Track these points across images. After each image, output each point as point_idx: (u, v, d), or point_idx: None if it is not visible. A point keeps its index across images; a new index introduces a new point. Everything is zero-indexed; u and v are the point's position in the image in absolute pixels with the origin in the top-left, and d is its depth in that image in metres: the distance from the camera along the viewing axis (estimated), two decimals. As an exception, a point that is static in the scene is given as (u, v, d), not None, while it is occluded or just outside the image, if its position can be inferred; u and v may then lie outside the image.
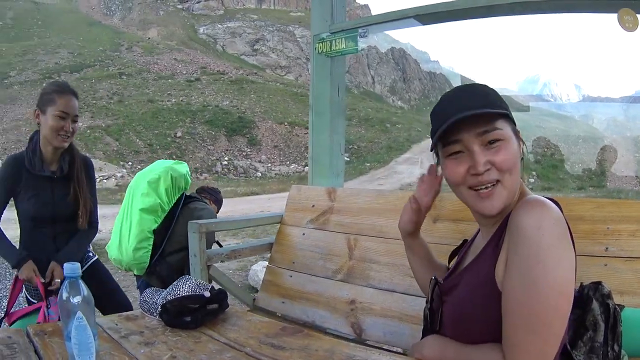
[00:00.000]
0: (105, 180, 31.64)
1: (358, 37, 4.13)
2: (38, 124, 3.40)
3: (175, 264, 4.18)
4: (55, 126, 3.31)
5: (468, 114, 1.61)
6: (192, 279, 2.49)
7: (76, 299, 1.64)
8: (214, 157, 43.55)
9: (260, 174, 41.97)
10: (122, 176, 32.88)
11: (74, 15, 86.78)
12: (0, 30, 74.92)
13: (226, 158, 43.35)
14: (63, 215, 3.54)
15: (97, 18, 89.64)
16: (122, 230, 4.10)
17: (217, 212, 5.05)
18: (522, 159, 1.66)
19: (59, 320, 2.88)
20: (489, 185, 1.65)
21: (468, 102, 1.65)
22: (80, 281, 1.68)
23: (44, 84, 3.56)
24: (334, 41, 4.26)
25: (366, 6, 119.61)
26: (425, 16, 3.78)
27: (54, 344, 1.99)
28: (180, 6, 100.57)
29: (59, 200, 3.51)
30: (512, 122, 1.68)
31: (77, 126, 3.46)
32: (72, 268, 1.66)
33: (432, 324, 1.92)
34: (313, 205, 3.85)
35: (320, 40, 4.35)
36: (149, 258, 4.07)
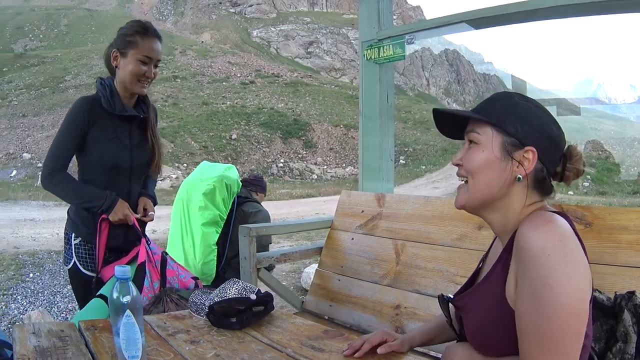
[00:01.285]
0: (160, 182, 32.00)
1: (405, 44, 4.12)
2: (116, 66, 3.16)
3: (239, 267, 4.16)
4: (137, 71, 3.09)
5: (456, 112, 1.72)
6: (239, 282, 2.57)
7: (126, 299, 1.74)
8: (270, 159, 43.66)
9: (315, 176, 41.93)
10: (177, 177, 33.22)
11: (127, 20, 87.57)
12: (55, 37, 76.47)
13: (282, 160, 43.40)
14: (139, 163, 3.30)
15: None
16: (184, 246, 4.08)
17: (264, 197, 5.10)
18: (519, 179, 1.62)
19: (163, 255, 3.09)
20: (462, 180, 1.73)
21: (480, 105, 1.72)
22: (130, 282, 1.78)
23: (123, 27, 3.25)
24: (381, 48, 4.25)
25: (418, 7, 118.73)
26: (477, 20, 3.74)
27: (104, 339, 2.09)
28: (232, 10, 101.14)
29: (136, 146, 3.27)
30: (507, 135, 1.64)
31: (157, 71, 3.24)
32: (123, 271, 1.77)
33: (458, 334, 1.93)
34: (362, 211, 3.88)
35: (368, 47, 4.35)
36: (216, 268, 4.09)
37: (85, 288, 3.14)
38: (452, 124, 1.77)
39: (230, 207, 4.19)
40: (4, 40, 73.72)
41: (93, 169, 3.15)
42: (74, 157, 3.16)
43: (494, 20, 3.72)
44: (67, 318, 6.99)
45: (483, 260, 1.97)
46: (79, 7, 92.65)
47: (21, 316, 6.91)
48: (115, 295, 1.76)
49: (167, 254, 3.27)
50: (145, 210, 3.33)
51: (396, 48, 4.16)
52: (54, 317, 6.92)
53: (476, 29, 3.89)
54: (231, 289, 2.50)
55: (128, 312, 1.75)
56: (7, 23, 79.44)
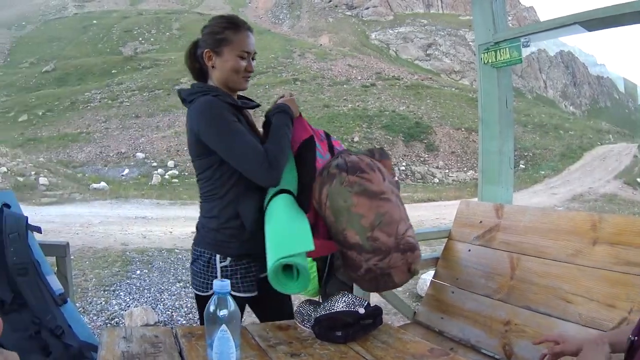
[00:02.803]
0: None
1: (521, 47, 4.00)
2: (212, 66, 3.01)
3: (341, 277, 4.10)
4: (238, 67, 2.95)
5: None
6: (348, 295, 2.52)
7: (222, 312, 1.77)
8: (392, 163, 43.50)
9: (437, 180, 41.51)
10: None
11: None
12: (168, 40, 78.36)
13: (404, 163, 43.13)
14: None
15: (266, 27, 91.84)
16: None
17: None
18: None
19: None
20: None
21: None
22: (229, 297, 1.81)
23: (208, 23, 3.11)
24: (498, 51, 4.13)
25: (531, 8, 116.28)
26: (591, 22, 3.59)
27: (200, 347, 2.09)
28: (349, 13, 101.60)
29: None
30: None
31: (254, 64, 3.07)
32: (222, 285, 1.81)
33: None
34: (480, 221, 3.78)
35: (485, 50, 4.25)
36: (318, 282, 4.06)
37: (242, 309, 2.89)
38: None
39: None
40: (112, 43, 75.83)
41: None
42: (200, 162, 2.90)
43: (606, 21, 3.55)
44: (173, 316, 7.10)
45: None
46: (190, 11, 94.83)
47: (122, 312, 6.99)
48: (212, 308, 1.78)
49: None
50: None
51: (513, 51, 4.04)
52: (158, 315, 7.01)
53: (589, 30, 3.73)
54: (339, 302, 2.47)
55: (224, 326, 1.76)
56: (113, 26, 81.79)
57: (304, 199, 2.69)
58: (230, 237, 2.81)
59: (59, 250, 3.54)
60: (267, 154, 2.67)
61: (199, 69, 3.10)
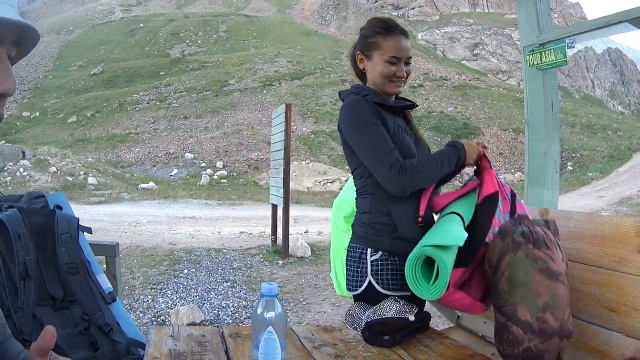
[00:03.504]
0: (329, 184, 32.57)
1: (566, 48, 3.95)
2: (363, 69, 3.02)
3: None
4: (387, 72, 2.88)
5: None
6: (399, 301, 2.56)
7: (269, 314, 1.81)
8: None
9: (485, 182, 41.41)
10: (346, 180, 33.51)
11: (289, 26, 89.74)
12: (215, 42, 79.12)
13: (452, 165, 43.13)
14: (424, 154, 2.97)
15: (313, 28, 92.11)
16: (335, 266, 4.03)
17: None
18: None
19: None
20: None
21: None
22: (276, 299, 1.84)
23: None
24: (543, 53, 4.09)
25: (577, 4, 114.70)
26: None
27: (246, 348, 2.13)
28: (395, 13, 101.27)
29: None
30: None
31: (410, 69, 2.99)
32: (270, 288, 1.84)
33: None
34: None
35: (530, 52, 4.19)
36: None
37: None
38: None
39: None
40: (159, 45, 77.07)
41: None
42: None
43: None
44: (219, 315, 7.21)
45: None
46: (236, 13, 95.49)
47: (168, 310, 7.12)
48: (259, 310, 1.83)
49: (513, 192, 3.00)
50: None
51: (557, 53, 3.98)
52: (205, 314, 7.11)
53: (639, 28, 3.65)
54: (391, 308, 2.50)
55: (270, 328, 1.81)
56: (159, 29, 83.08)
57: (468, 253, 2.55)
58: (381, 232, 2.78)
59: (109, 250, 3.69)
60: (406, 163, 2.63)
61: (359, 70, 3.10)
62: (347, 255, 2.90)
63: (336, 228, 4.00)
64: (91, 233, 3.18)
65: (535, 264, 2.39)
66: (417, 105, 3.15)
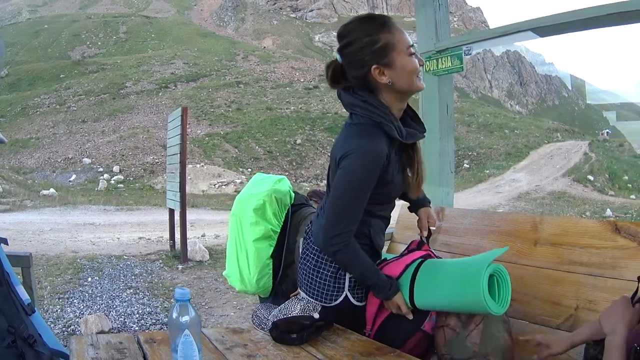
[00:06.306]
0: (224, 187, 32.41)
1: (463, 55, 4.07)
2: (388, 83, 2.57)
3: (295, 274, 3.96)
4: (416, 66, 2.58)
5: None
6: (303, 300, 2.66)
7: (184, 319, 1.87)
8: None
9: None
10: (241, 182, 33.50)
11: (187, 27, 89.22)
12: (114, 44, 78.19)
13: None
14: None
15: (211, 29, 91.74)
16: (239, 262, 4.00)
17: None
18: None
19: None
20: None
21: None
22: (189, 304, 1.91)
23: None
24: (440, 59, 4.21)
25: (478, 9, 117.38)
26: (543, 28, 3.60)
27: (162, 352, 2.17)
28: (293, 15, 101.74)
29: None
30: None
31: None
32: (183, 293, 1.91)
33: None
34: (422, 224, 3.83)
35: (427, 58, 4.31)
36: (272, 280, 4.09)
37: (360, 318, 2.80)
38: None
39: (283, 219, 4.16)
40: (61, 47, 75.85)
41: (371, 207, 2.69)
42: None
43: (566, 27, 3.53)
44: (126, 322, 7.20)
45: None
46: (137, 14, 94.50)
47: (77, 320, 7.06)
48: (175, 315, 1.88)
49: None
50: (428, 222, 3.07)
51: (454, 59, 4.11)
52: (112, 322, 7.09)
53: (542, 37, 3.75)
54: (295, 307, 2.59)
55: (187, 331, 1.87)
56: (62, 31, 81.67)
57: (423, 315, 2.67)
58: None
59: (23, 261, 3.62)
60: (348, 246, 2.56)
61: (385, 85, 2.61)
62: (317, 267, 2.80)
63: (242, 222, 3.99)
64: (7, 244, 3.14)
65: (507, 325, 2.53)
66: (425, 131, 2.86)
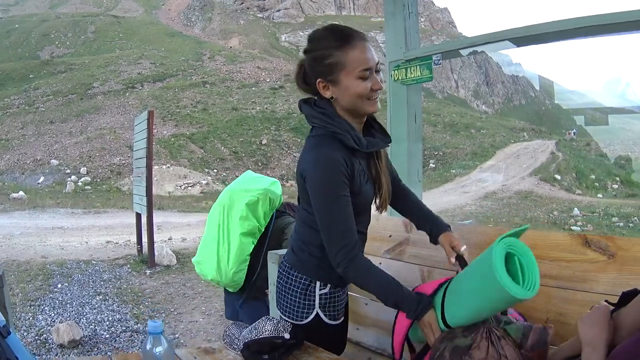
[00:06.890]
0: (190, 188, 32.31)
1: (432, 65, 4.08)
2: (331, 98, 2.53)
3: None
4: (363, 91, 2.45)
5: None
6: (274, 319, 2.63)
7: (158, 350, 1.91)
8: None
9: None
10: (207, 183, 33.51)
11: (155, 27, 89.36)
12: (82, 44, 78.04)
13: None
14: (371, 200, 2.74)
15: (178, 29, 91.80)
16: (219, 251, 4.03)
17: None
18: None
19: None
20: None
21: None
22: (162, 335, 1.94)
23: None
24: (409, 69, 4.22)
25: (445, 9, 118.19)
26: (520, 39, 3.63)
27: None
28: (260, 15, 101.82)
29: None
30: None
31: (381, 76, 2.53)
32: (156, 326, 1.94)
33: None
34: (390, 236, 3.81)
35: (395, 67, 4.33)
36: (245, 277, 4.11)
37: (334, 337, 2.81)
38: None
39: (269, 221, 4.19)
40: (30, 47, 75.98)
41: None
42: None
43: (546, 37, 3.56)
44: (96, 330, 7.18)
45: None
46: (105, 14, 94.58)
47: (49, 328, 7.05)
48: (148, 347, 1.92)
49: None
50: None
51: (423, 69, 4.12)
52: (83, 329, 7.05)
53: (518, 46, 3.78)
54: (266, 327, 2.57)
55: None
56: (32, 30, 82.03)
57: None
58: (332, 266, 2.52)
59: (-4, 280, 3.50)
60: (355, 258, 2.46)
61: (330, 99, 2.57)
62: (288, 283, 2.75)
63: (230, 213, 4.05)
64: None
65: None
66: (390, 142, 2.79)
